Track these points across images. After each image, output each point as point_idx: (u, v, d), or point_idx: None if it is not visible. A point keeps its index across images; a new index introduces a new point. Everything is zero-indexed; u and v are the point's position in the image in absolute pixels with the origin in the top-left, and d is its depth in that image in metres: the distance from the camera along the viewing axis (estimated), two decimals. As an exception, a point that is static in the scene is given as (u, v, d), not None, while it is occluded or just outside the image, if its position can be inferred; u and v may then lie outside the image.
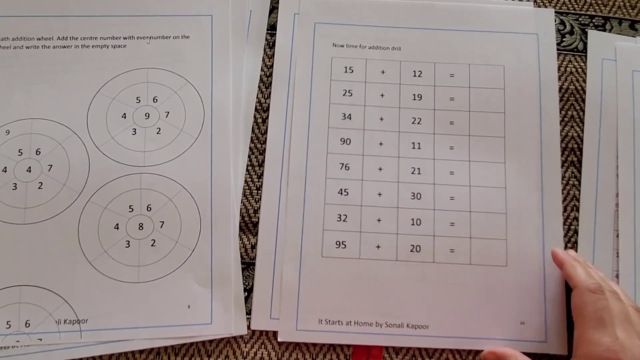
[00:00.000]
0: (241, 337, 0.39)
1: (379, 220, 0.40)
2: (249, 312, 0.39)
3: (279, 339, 0.38)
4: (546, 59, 0.43)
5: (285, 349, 0.39)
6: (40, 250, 0.39)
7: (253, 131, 0.42)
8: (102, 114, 0.41)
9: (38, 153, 0.40)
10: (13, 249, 0.39)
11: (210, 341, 0.39)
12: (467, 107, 0.42)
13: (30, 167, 0.40)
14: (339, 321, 0.39)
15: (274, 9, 0.44)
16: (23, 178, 0.40)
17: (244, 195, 0.41)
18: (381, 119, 0.42)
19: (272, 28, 0.44)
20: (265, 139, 0.42)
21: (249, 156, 0.42)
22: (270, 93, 0.43)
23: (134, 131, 0.41)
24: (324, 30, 0.44)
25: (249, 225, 0.41)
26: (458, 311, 0.39)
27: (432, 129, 0.42)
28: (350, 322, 0.39)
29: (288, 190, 0.41)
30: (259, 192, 0.41)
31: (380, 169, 0.41)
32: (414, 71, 0.43)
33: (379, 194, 0.41)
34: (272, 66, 0.43)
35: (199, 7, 0.43)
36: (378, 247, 0.40)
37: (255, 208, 0.41)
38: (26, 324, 0.38)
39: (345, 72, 0.43)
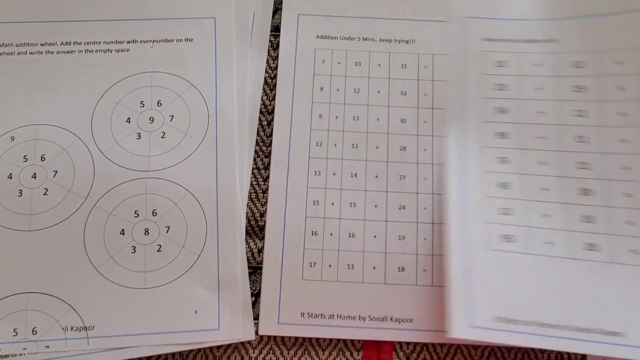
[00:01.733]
0: (249, 342, 0.38)
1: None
2: (256, 317, 0.39)
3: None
4: None
5: (294, 354, 0.38)
6: (46, 257, 0.38)
7: (258, 134, 0.42)
8: (106, 118, 0.41)
9: (43, 159, 0.40)
10: (19, 256, 0.38)
11: (218, 347, 0.38)
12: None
13: (35, 173, 0.40)
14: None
15: (277, 10, 0.44)
16: (28, 184, 0.40)
17: (250, 198, 0.41)
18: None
19: (275, 29, 0.43)
20: (271, 141, 0.41)
21: (254, 159, 0.41)
22: (274, 95, 0.42)
23: (139, 135, 0.41)
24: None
25: (255, 229, 0.40)
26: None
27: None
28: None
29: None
30: (265, 195, 0.41)
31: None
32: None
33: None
34: (276, 67, 0.43)
35: (201, 9, 0.43)
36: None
37: (262, 211, 0.40)
38: (33, 331, 0.38)
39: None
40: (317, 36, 0.43)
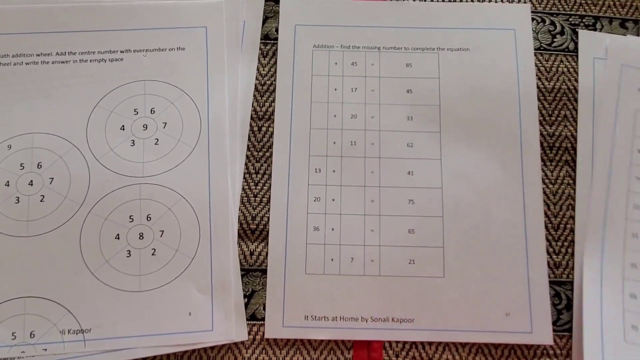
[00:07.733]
0: (242, 342, 0.39)
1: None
2: (249, 318, 0.40)
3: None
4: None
5: (286, 354, 0.39)
6: (43, 262, 0.39)
7: (249, 139, 0.43)
8: (101, 126, 0.42)
9: (39, 167, 0.41)
10: (17, 262, 0.39)
11: (212, 347, 0.39)
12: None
13: (32, 181, 0.41)
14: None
15: (267, 18, 0.45)
16: (25, 191, 0.41)
17: (242, 202, 0.42)
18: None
19: (265, 37, 0.45)
20: (262, 146, 0.42)
21: (246, 164, 0.42)
22: (265, 101, 0.43)
23: (133, 142, 0.42)
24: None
25: (247, 232, 0.41)
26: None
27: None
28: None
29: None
30: (257, 199, 0.42)
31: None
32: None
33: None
34: (266, 75, 0.44)
35: (193, 19, 0.44)
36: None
37: (253, 215, 0.41)
38: (31, 334, 0.38)
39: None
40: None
